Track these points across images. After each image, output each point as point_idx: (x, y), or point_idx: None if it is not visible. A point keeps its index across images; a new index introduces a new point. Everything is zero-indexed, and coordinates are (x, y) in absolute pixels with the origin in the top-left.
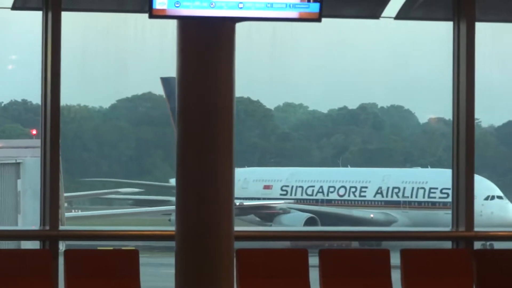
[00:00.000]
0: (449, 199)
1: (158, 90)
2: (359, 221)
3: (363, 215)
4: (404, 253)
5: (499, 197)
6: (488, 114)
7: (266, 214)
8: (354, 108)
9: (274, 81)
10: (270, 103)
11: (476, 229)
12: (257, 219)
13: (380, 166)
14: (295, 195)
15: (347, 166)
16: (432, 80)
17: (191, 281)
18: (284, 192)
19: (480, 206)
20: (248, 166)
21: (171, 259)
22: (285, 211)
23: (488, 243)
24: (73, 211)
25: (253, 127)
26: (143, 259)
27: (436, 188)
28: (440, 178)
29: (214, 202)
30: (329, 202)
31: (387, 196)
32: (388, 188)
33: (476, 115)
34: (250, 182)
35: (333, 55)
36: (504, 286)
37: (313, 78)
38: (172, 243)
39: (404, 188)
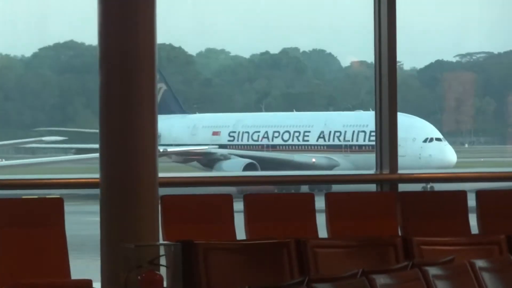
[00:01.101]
0: None
1: (80, 38)
2: (300, 166)
3: (305, 160)
4: (328, 196)
5: (438, 139)
6: (410, 56)
7: (208, 160)
8: (276, 53)
9: (195, 27)
10: (191, 49)
11: (400, 171)
12: (200, 165)
13: (303, 110)
14: (242, 140)
15: (270, 111)
16: (354, 23)
17: (116, 229)
18: (232, 138)
19: (419, 149)
20: (192, 113)
21: (96, 207)
22: (225, 157)
23: (429, 185)
24: None
25: (176, 73)
26: (68, 207)
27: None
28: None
29: (138, 149)
30: (274, 148)
31: (329, 140)
32: (330, 132)
33: (398, 58)
34: (199, 128)
35: (254, 0)
36: (427, 226)
37: (234, 23)
38: (97, 191)
39: (345, 132)
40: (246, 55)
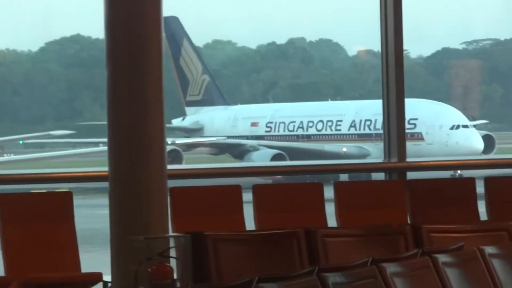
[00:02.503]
0: (416, 129)
1: (86, 31)
2: (331, 156)
3: (336, 149)
4: (337, 186)
5: (465, 126)
6: (416, 45)
7: (238, 152)
8: (282, 43)
9: (201, 18)
10: (199, 41)
11: (408, 159)
12: (231, 157)
13: (311, 100)
14: (278, 131)
15: (278, 102)
16: (360, 12)
17: (125, 222)
18: (269, 129)
19: (446, 136)
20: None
21: (105, 200)
22: (255, 148)
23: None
24: (5, 155)
25: None
26: (77, 201)
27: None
28: (406, 109)
29: (146, 141)
30: (308, 138)
31: (360, 130)
32: (361, 121)
33: (405, 46)
34: (239, 120)
35: None
36: (436, 214)
37: (241, 14)
38: (106, 184)
39: (376, 120)
40: (253, 46)
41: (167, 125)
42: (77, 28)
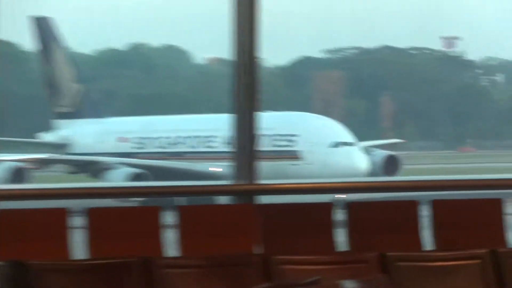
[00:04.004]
0: (295, 147)
1: None
2: (202, 176)
3: (204, 169)
4: (179, 210)
5: (347, 143)
6: (273, 52)
7: (94, 170)
8: (124, 50)
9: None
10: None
11: (261, 181)
12: (89, 176)
13: (155, 114)
14: (148, 147)
15: (117, 115)
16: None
17: None
18: (138, 145)
19: (326, 155)
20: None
21: None
22: (113, 167)
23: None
24: None
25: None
26: None
27: (282, 135)
28: (283, 122)
29: None
30: (179, 155)
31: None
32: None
33: (259, 54)
34: (108, 134)
35: None
36: (291, 243)
37: (76, 16)
38: None
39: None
40: (88, 51)
41: (32, 140)
42: None
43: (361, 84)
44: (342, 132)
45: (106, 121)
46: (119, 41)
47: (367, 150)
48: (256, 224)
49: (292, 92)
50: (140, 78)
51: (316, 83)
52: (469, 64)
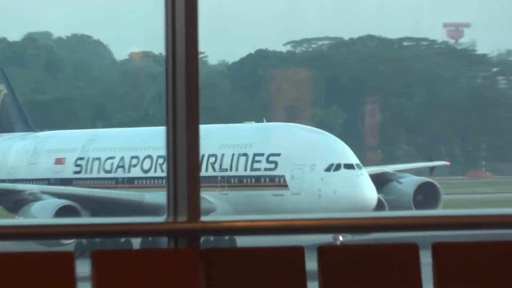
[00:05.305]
0: (277, 171)
1: None
2: (156, 210)
3: (159, 201)
4: (95, 256)
5: (348, 166)
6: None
7: (12, 202)
8: (17, 40)
9: None
10: None
11: (204, 218)
12: (5, 209)
13: (59, 126)
14: (91, 171)
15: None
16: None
17: None
18: (78, 168)
19: (319, 182)
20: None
21: None
22: (35, 198)
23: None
24: None
25: None
26: None
27: (262, 155)
28: (263, 137)
29: None
30: (131, 182)
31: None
32: (203, 156)
33: (201, 48)
34: (41, 153)
35: None
36: None
37: None
38: None
39: (223, 155)
40: None
41: None
42: None
43: (338, 87)
44: (341, 150)
45: (38, 136)
46: (11, 31)
47: (391, 177)
48: (198, 275)
49: (245, 97)
50: (39, 79)
51: (276, 86)
52: (481, 60)
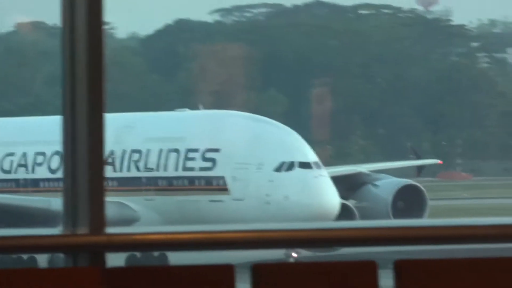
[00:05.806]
0: (215, 171)
1: None
2: (37, 217)
3: (44, 205)
4: None
5: (304, 165)
6: (128, 15)
7: None
8: None
9: None
10: None
11: (110, 230)
12: None
13: None
14: None
15: None
16: None
17: None
18: None
19: (267, 184)
20: None
21: None
22: None
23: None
24: None
25: None
26: None
27: (197, 151)
28: (199, 129)
29: None
30: (35, 185)
31: (121, 170)
32: (125, 152)
33: (108, 18)
34: None
35: None
36: None
37: None
38: None
39: (149, 152)
40: None
41: None
42: None
43: (278, 66)
44: (296, 144)
45: None
46: None
47: (366, 178)
48: None
49: (161, 79)
50: None
51: (200, 65)
52: (458, 33)
